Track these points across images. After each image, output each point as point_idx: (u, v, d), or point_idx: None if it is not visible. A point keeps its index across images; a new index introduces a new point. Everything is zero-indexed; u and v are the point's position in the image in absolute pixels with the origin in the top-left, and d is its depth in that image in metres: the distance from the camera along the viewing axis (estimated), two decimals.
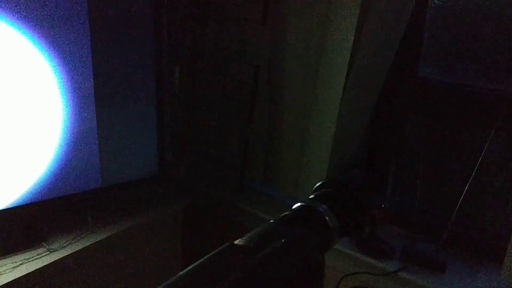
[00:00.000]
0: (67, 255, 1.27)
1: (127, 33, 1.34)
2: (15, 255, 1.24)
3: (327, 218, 0.62)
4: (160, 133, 1.50)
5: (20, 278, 1.16)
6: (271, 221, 0.61)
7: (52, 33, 1.19)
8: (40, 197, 1.28)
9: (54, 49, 1.20)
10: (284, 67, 1.48)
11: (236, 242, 0.55)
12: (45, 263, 1.22)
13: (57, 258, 1.25)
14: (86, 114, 1.30)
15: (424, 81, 1.40)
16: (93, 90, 1.30)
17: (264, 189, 1.71)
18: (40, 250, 1.27)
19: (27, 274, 1.18)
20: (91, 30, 1.25)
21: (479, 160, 1.22)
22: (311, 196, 0.67)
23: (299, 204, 0.65)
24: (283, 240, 0.52)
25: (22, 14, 1.13)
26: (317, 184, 0.70)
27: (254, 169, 1.68)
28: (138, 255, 1.53)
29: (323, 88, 1.40)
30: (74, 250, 1.29)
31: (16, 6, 1.11)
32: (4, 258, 1.22)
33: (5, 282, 1.14)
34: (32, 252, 1.26)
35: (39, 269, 1.20)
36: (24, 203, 1.26)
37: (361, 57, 1.31)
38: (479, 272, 1.27)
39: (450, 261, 1.29)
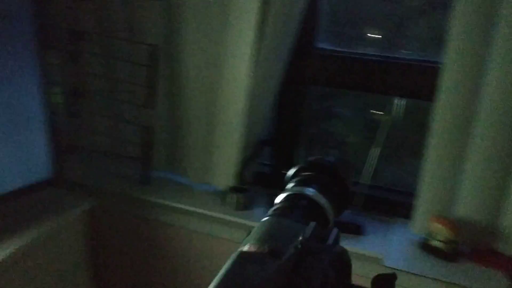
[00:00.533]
0: None
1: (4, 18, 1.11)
2: None
3: (319, 201, 0.59)
4: (49, 130, 1.30)
5: None
6: (266, 218, 0.56)
7: None
8: None
9: None
10: (184, 45, 1.39)
11: (245, 249, 0.49)
12: None
13: None
14: None
15: (321, 53, 1.43)
16: None
17: (172, 178, 1.61)
18: None
19: None
20: None
21: (383, 126, 1.31)
22: (292, 185, 0.63)
23: (284, 194, 0.61)
24: (300, 238, 0.48)
25: None
26: (293, 171, 0.66)
27: (159, 158, 1.57)
28: (43, 270, 1.33)
29: (230, 66, 1.35)
30: None
31: None
32: None
33: None
34: None
35: None
36: None
37: (269, 32, 1.28)
38: (393, 228, 1.37)
39: (368, 224, 1.37)
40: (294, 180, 0.64)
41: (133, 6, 1.43)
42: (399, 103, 1.37)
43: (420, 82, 1.30)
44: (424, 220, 1.27)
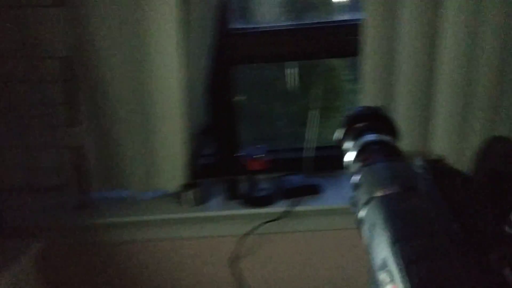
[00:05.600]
0: None
1: None
2: None
3: (385, 140, 0.65)
4: None
5: None
6: (362, 172, 0.60)
7: None
8: None
9: None
10: (100, 51, 1.29)
11: (379, 194, 0.53)
12: None
13: None
14: None
15: (237, 32, 1.47)
16: None
17: (114, 195, 1.50)
18: None
19: None
20: None
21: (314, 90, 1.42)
22: (351, 141, 0.68)
23: (354, 150, 0.65)
24: (421, 171, 0.53)
25: None
26: (342, 131, 0.70)
27: (95, 178, 1.44)
28: None
29: (156, 61, 1.30)
30: None
31: None
32: None
33: None
34: None
35: None
36: None
37: (191, 18, 1.27)
38: (344, 182, 1.50)
39: (323, 182, 1.48)
40: (350, 135, 0.69)
41: (28, 17, 1.27)
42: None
43: (336, 41, 1.44)
44: None
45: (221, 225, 1.43)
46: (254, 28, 1.49)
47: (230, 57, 1.47)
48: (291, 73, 1.61)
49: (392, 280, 0.41)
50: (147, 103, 1.35)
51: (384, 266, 0.43)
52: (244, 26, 1.49)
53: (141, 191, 1.47)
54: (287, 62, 1.58)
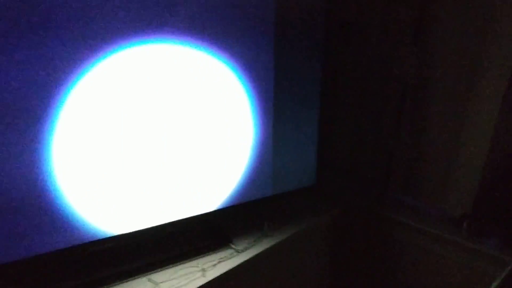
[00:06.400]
0: (252, 256, 1.41)
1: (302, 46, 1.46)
2: (212, 254, 1.39)
3: None
4: (318, 147, 1.62)
5: (220, 275, 1.31)
6: None
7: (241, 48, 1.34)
8: (226, 203, 1.44)
9: (243, 65, 1.35)
10: (433, 83, 1.58)
11: None
12: (237, 263, 1.37)
13: (245, 258, 1.39)
14: (266, 124, 1.44)
15: None
16: (272, 100, 1.43)
17: (406, 199, 1.80)
18: (229, 251, 1.42)
19: (225, 272, 1.32)
20: (275, 40, 1.37)
21: None
22: None
23: None
24: None
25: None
26: None
27: (396, 180, 1.78)
28: (297, 257, 1.66)
29: (478, 98, 1.47)
30: (257, 252, 1.43)
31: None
32: (203, 257, 1.38)
33: (211, 278, 1.29)
34: (224, 252, 1.41)
35: (234, 268, 1.35)
36: (213, 210, 1.42)
37: None
38: None
39: None
40: None
41: (392, 51, 1.68)
42: None
43: None
44: None
45: (486, 262, 1.51)
46: None
47: None
48: None
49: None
50: (459, 132, 1.56)
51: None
52: None
53: (428, 204, 1.71)
54: None
